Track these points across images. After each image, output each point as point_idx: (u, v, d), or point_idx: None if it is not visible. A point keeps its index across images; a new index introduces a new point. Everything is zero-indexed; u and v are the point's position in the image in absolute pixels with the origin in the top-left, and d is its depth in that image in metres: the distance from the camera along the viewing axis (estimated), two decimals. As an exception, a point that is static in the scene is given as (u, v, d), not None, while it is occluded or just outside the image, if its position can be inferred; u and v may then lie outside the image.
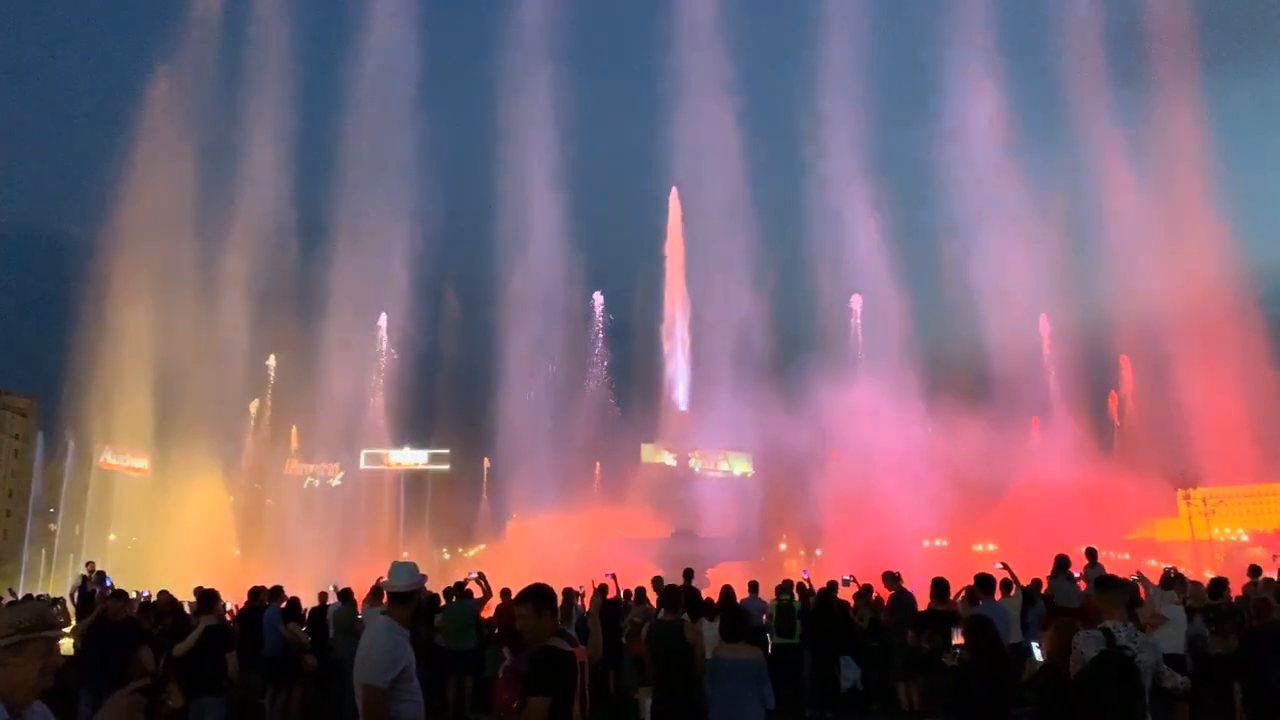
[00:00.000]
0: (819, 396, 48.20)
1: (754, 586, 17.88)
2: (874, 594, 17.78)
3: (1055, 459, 52.24)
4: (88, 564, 25.17)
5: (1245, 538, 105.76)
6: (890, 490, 45.18)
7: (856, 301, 57.89)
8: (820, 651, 15.68)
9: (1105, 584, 7.05)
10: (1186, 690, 6.85)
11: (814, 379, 48.54)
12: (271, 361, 60.77)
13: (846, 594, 17.72)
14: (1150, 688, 6.30)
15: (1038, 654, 8.69)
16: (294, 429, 66.76)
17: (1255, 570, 17.66)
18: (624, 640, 16.32)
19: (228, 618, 16.27)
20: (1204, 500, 65.77)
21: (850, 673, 15.41)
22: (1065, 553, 16.91)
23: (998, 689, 6.28)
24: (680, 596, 9.58)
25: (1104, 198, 63.34)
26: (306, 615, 17.46)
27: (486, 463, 72.61)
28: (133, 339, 53.92)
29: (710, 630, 10.07)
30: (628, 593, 18.22)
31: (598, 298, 58.24)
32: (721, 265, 56.62)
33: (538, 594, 5.81)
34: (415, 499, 75.00)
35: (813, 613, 16.16)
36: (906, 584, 16.63)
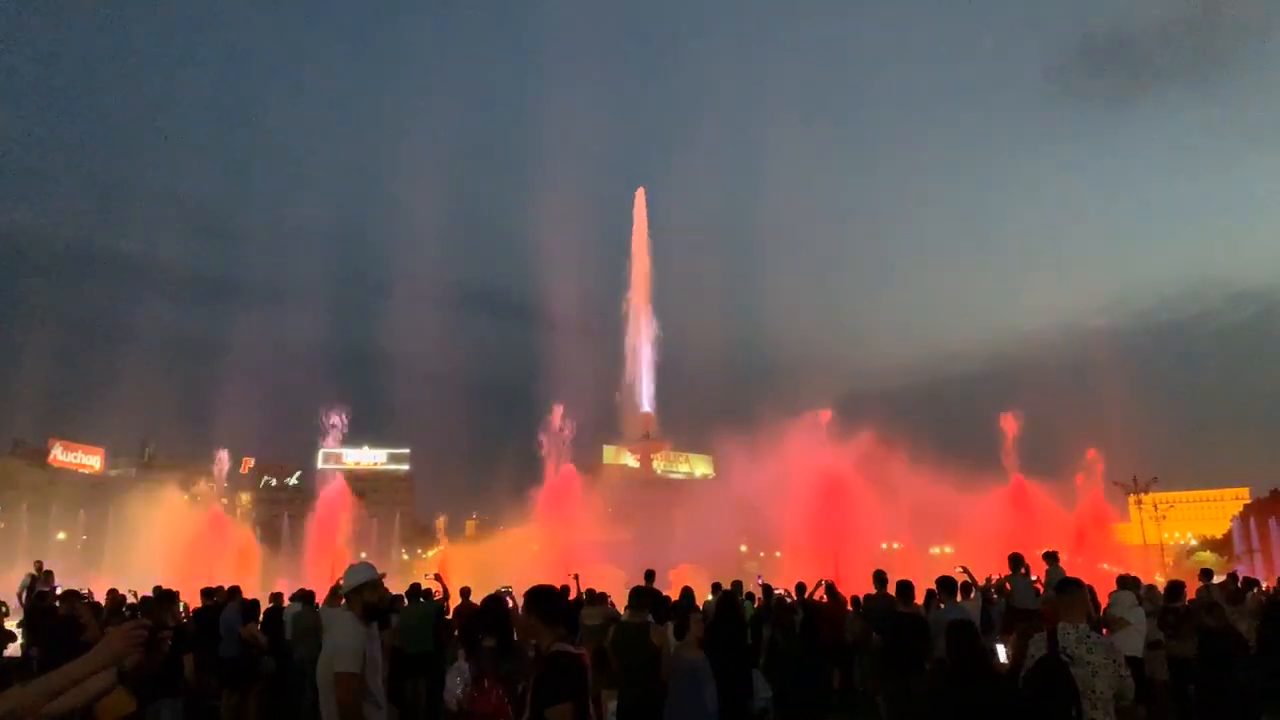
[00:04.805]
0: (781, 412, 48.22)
1: (717, 588, 17.89)
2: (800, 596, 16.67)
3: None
4: (36, 563, 24.86)
5: (1194, 542, 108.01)
6: (849, 499, 45.47)
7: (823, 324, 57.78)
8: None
9: (1065, 587, 7.09)
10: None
11: (776, 395, 48.64)
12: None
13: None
14: (1108, 690, 6.31)
15: (1002, 656, 8.72)
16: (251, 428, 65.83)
17: (1207, 574, 17.90)
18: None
19: (182, 619, 15.97)
20: (1155, 505, 66.92)
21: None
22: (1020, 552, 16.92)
23: (979, 697, 6.26)
24: (647, 598, 9.53)
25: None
26: (262, 616, 17.12)
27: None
28: (87, 337, 52.82)
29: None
30: (589, 593, 18.09)
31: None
32: (687, 267, 56.87)
33: (540, 602, 5.41)
34: (374, 498, 74.19)
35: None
36: (846, 587, 16.12)
